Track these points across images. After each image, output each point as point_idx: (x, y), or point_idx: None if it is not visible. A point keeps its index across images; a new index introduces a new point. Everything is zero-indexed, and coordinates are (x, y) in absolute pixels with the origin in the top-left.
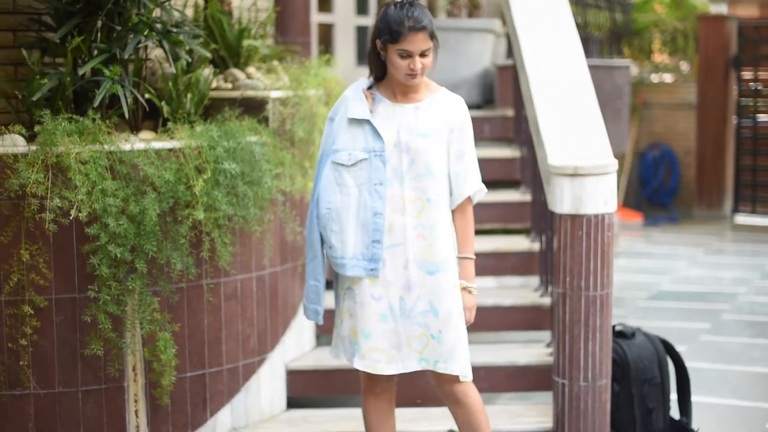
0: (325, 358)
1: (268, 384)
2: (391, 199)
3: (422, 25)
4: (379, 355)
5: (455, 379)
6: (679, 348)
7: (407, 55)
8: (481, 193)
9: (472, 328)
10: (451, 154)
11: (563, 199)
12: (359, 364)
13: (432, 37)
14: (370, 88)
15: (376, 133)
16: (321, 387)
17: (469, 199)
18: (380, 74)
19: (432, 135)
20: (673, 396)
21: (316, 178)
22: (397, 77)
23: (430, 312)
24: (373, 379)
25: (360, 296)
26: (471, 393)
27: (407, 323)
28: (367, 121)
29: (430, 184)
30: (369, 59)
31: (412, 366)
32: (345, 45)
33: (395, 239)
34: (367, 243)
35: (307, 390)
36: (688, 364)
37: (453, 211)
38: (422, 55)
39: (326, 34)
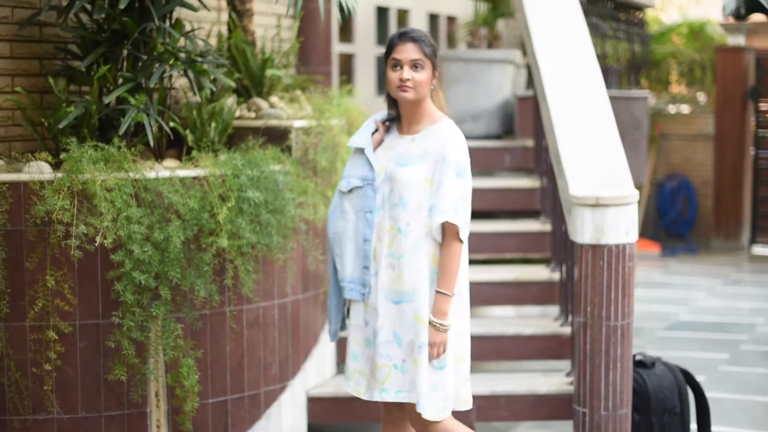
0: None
1: (289, 411)
2: (377, 227)
3: (411, 35)
4: (361, 378)
5: (422, 416)
6: (698, 378)
7: (398, 65)
8: (464, 230)
9: (492, 356)
10: (433, 185)
11: (584, 229)
12: (345, 385)
13: (426, 54)
14: (390, 120)
15: (369, 162)
16: (341, 414)
17: (454, 234)
18: (392, 105)
19: (412, 165)
20: (693, 426)
21: None
22: (392, 94)
23: (393, 341)
24: (387, 406)
25: (355, 319)
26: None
27: (374, 353)
28: (363, 151)
29: (402, 213)
30: (386, 92)
31: (376, 396)
32: (365, 74)
33: (376, 267)
34: (360, 268)
35: (328, 417)
36: (707, 394)
37: (440, 245)
38: (413, 68)
39: (347, 63)
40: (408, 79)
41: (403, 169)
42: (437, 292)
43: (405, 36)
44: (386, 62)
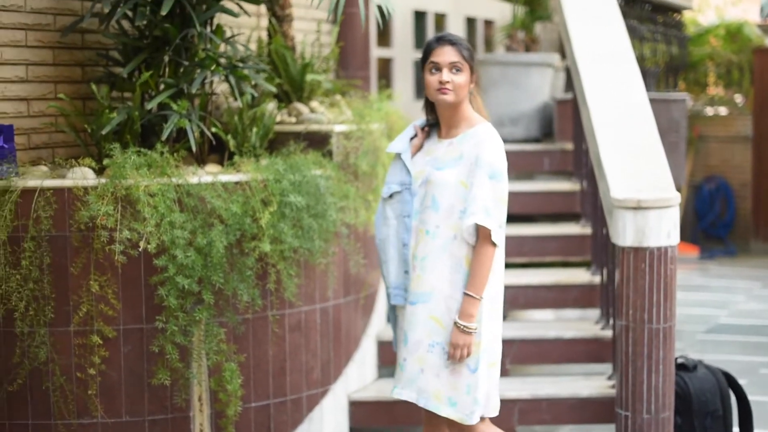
0: (387, 389)
1: (331, 415)
2: (413, 231)
3: (449, 38)
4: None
5: (444, 420)
6: (739, 381)
7: (436, 68)
8: (498, 233)
9: (533, 360)
10: (467, 187)
11: (626, 232)
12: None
13: (464, 57)
14: (430, 126)
15: (406, 167)
16: (383, 418)
17: (486, 236)
18: (430, 110)
19: (448, 168)
20: (735, 429)
21: None
22: (431, 98)
23: (402, 341)
24: (428, 413)
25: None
26: None
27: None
28: (400, 156)
29: (432, 215)
30: (425, 97)
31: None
32: (403, 79)
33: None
34: (402, 273)
35: (370, 421)
36: (749, 397)
37: (473, 248)
38: (452, 71)
39: (385, 68)
40: (447, 82)
41: (438, 173)
42: (465, 294)
43: (442, 39)
44: (424, 67)
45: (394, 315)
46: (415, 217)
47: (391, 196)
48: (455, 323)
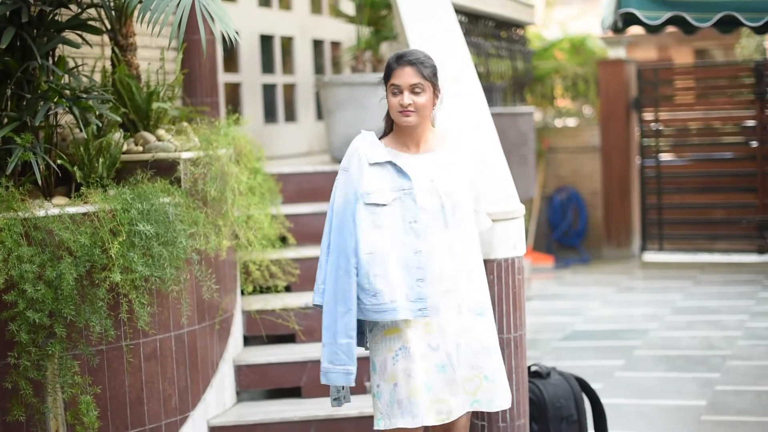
0: (247, 413)
1: None
2: (441, 241)
3: (408, 59)
4: (441, 405)
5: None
6: (595, 385)
7: (398, 90)
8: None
9: None
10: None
11: None
12: (417, 422)
13: (425, 77)
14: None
15: (402, 171)
16: None
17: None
18: (389, 129)
19: (453, 178)
20: None
21: (335, 229)
22: (394, 120)
23: (483, 353)
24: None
25: (414, 348)
26: None
27: (457, 371)
28: (390, 163)
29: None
30: (386, 114)
31: (464, 410)
32: (252, 103)
33: (451, 283)
34: (414, 282)
35: None
36: (605, 400)
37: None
38: (413, 92)
39: (234, 93)
40: (409, 104)
41: (448, 183)
42: None
43: (402, 60)
44: (386, 87)
45: (351, 348)
46: (432, 225)
47: (383, 204)
48: None
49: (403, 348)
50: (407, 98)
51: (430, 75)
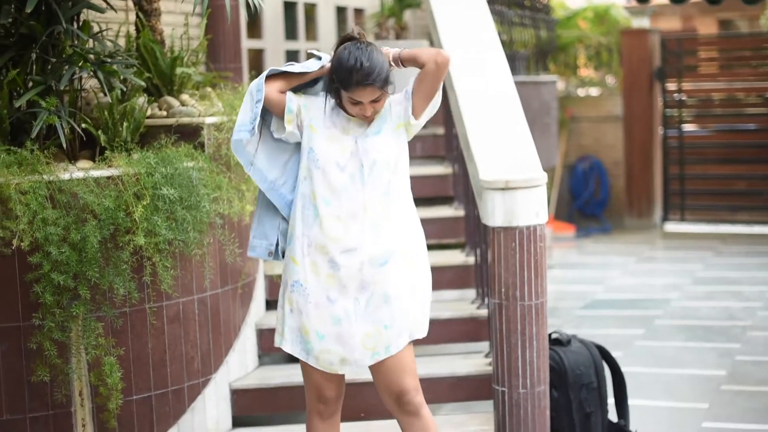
0: (269, 377)
1: (213, 404)
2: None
3: (370, 81)
4: (332, 357)
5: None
6: (615, 354)
7: (358, 102)
8: None
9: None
10: None
11: (495, 213)
12: (314, 364)
13: (383, 88)
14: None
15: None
16: (265, 405)
17: None
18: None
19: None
20: (611, 400)
21: None
22: (349, 112)
23: (384, 304)
24: (322, 401)
25: (313, 296)
26: (426, 405)
27: (355, 325)
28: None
29: None
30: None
31: (365, 364)
32: None
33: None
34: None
35: (252, 409)
36: (624, 369)
37: None
38: (373, 101)
39: (257, 59)
40: (371, 113)
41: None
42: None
43: (361, 83)
44: (338, 90)
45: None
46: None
47: None
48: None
49: (297, 283)
50: (369, 110)
51: (386, 83)
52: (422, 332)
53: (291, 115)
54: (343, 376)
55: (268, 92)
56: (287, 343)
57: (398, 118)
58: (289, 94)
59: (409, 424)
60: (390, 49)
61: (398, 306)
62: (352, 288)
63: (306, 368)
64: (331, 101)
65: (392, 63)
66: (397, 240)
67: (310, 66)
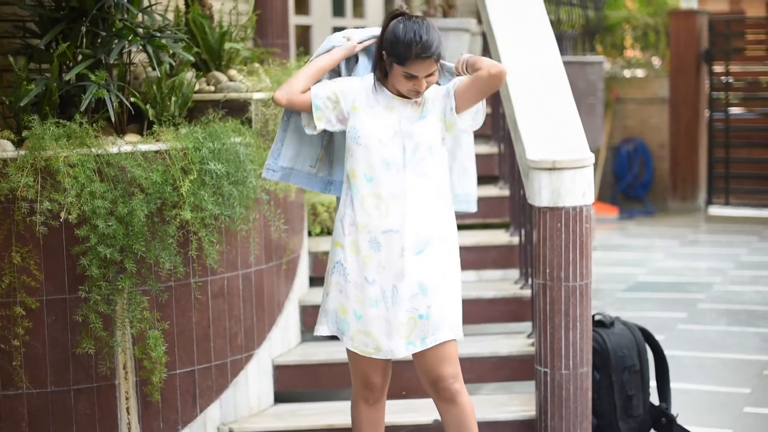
0: (311, 353)
1: (255, 379)
2: None
3: (429, 53)
4: (367, 339)
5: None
6: (657, 337)
7: (413, 76)
8: None
9: None
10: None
11: (542, 193)
12: (348, 344)
13: (438, 61)
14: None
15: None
16: (307, 381)
17: None
18: (383, 76)
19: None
20: (653, 383)
21: None
22: (399, 89)
23: (420, 293)
24: (368, 388)
25: (352, 276)
26: (464, 392)
27: (393, 311)
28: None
29: None
30: (375, 60)
31: (400, 354)
32: None
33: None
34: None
35: (294, 384)
36: (666, 352)
37: None
38: (428, 76)
39: (304, 35)
40: (424, 88)
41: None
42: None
43: (421, 56)
44: (392, 64)
45: None
46: None
47: None
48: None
49: (339, 263)
50: (423, 85)
51: (440, 57)
52: (459, 332)
53: (319, 112)
54: (389, 363)
55: (287, 103)
56: (323, 327)
57: (442, 113)
58: (315, 90)
59: (445, 410)
60: (461, 56)
61: (434, 297)
62: (391, 273)
63: (352, 355)
64: (373, 79)
65: (459, 70)
66: (436, 227)
67: (334, 41)
